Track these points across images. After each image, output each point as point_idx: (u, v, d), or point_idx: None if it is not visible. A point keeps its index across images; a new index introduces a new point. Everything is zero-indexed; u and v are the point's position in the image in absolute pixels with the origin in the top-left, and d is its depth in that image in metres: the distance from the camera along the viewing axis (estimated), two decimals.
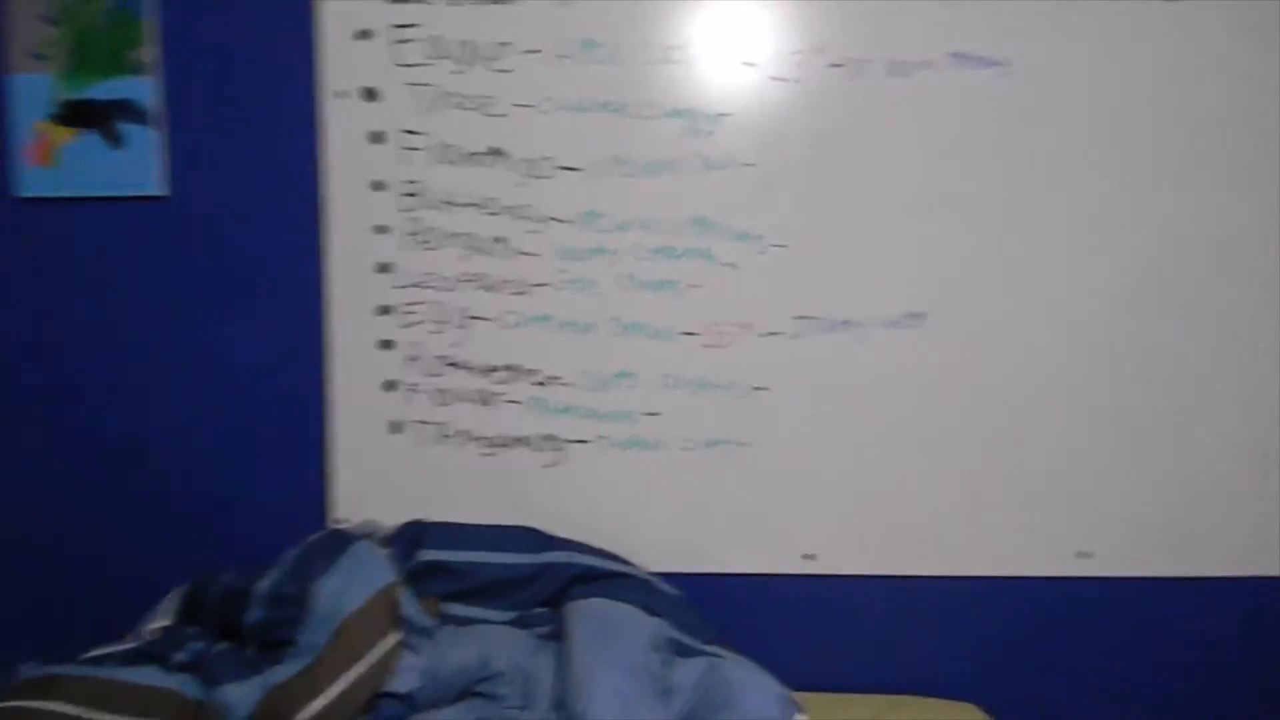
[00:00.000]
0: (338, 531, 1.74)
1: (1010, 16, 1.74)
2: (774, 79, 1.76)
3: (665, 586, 1.78)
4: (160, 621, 1.67)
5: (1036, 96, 1.76)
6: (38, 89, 1.81)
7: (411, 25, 1.77)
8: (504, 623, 1.71)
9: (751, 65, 1.76)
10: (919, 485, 1.86)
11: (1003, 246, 1.80)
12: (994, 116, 1.76)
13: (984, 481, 1.85)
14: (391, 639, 1.52)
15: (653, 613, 1.68)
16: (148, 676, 1.47)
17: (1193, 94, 1.76)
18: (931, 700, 1.84)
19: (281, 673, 1.48)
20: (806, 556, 1.88)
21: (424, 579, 1.71)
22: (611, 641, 1.55)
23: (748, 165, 1.78)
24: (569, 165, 1.80)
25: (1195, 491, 1.85)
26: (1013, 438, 1.84)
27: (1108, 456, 1.84)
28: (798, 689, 1.61)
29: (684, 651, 1.66)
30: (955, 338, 1.82)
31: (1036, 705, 1.91)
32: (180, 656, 1.53)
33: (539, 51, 1.77)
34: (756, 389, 1.84)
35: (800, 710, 1.55)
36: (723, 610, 1.82)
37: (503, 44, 1.77)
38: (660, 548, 1.87)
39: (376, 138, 1.80)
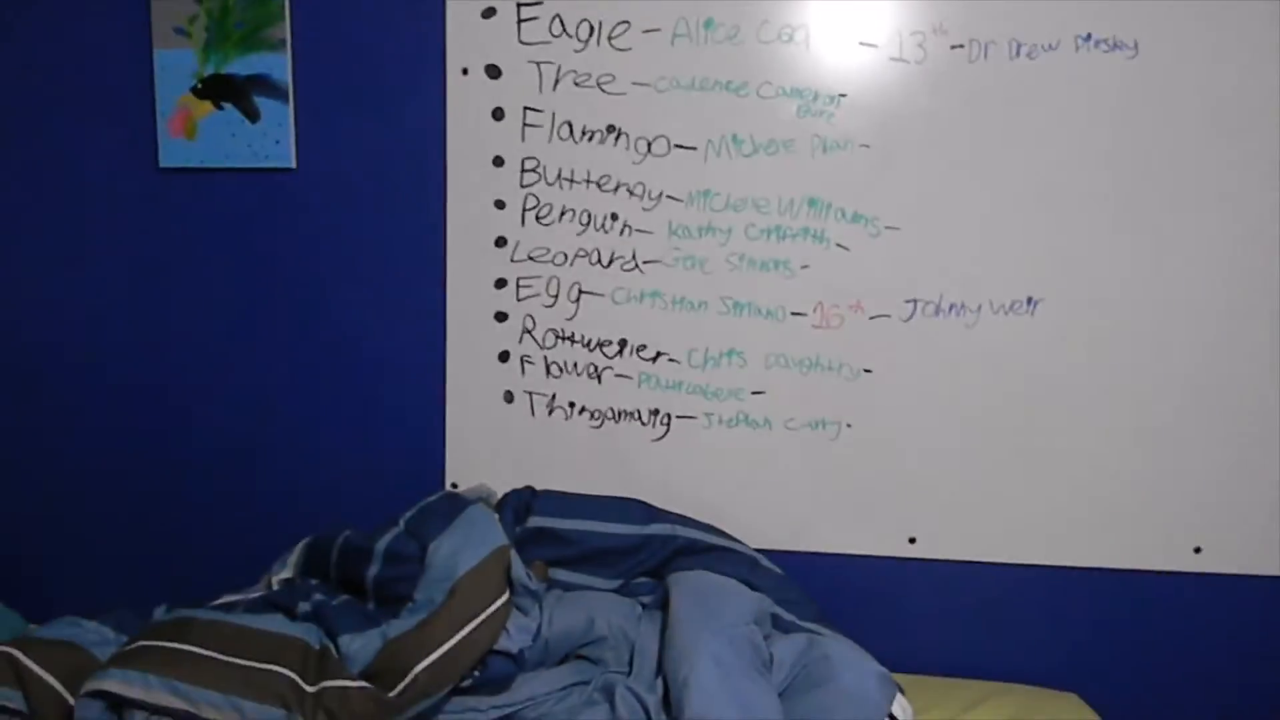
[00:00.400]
0: (453, 494, 1.80)
1: None
2: (893, 60, 1.75)
3: (768, 563, 1.80)
4: (285, 573, 1.75)
5: (1166, 82, 1.72)
6: (180, 63, 1.90)
7: (535, 4, 1.80)
8: (608, 590, 1.76)
9: (870, 46, 1.76)
10: (1026, 473, 1.84)
11: (1121, 234, 1.76)
12: (1120, 101, 1.73)
13: (1094, 472, 1.83)
14: (503, 599, 1.57)
15: (755, 588, 1.70)
16: (274, 624, 1.54)
17: None
18: (1033, 688, 1.82)
19: (399, 626, 1.54)
20: (910, 540, 1.88)
21: (533, 544, 1.76)
22: (714, 612, 1.57)
23: (864, 146, 1.78)
24: (684, 144, 1.82)
25: None
26: (1125, 428, 1.81)
27: (1222, 451, 1.80)
28: (897, 671, 1.62)
29: (785, 627, 1.67)
30: (1069, 325, 1.79)
31: (1139, 698, 1.88)
32: (304, 606, 1.60)
33: (658, 30, 1.79)
34: (865, 371, 1.84)
35: (899, 691, 1.56)
36: (824, 589, 1.83)
37: (622, 23, 1.80)
38: (764, 525, 1.89)
39: (498, 114, 1.84)
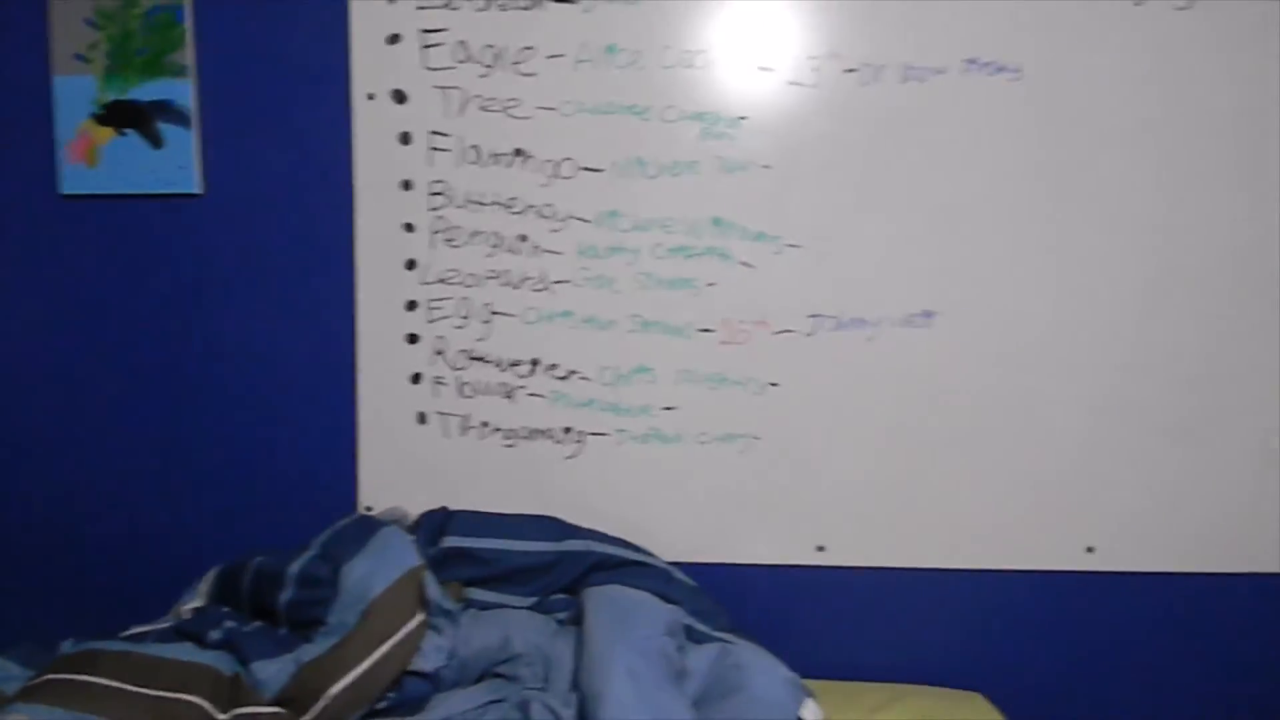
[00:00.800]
0: (366, 517, 1.81)
1: (1024, 23, 1.78)
2: (791, 84, 1.81)
3: (681, 575, 1.84)
4: (195, 602, 1.73)
5: (1049, 102, 1.80)
6: (81, 90, 1.88)
7: (440, 30, 1.82)
8: (524, 608, 1.77)
9: (769, 70, 1.81)
10: (928, 480, 1.90)
11: (1013, 248, 1.84)
12: (1007, 121, 1.80)
13: (992, 477, 1.89)
14: (417, 620, 1.58)
15: (668, 600, 1.74)
16: (184, 653, 1.53)
17: (1205, 98, 1.79)
18: (939, 689, 1.88)
19: (312, 650, 1.54)
20: (818, 548, 1.93)
21: (448, 564, 1.77)
22: (628, 625, 1.60)
23: (765, 167, 1.83)
24: (590, 166, 1.85)
25: (1199, 488, 1.88)
26: (1020, 434, 1.88)
27: (1113, 453, 1.88)
28: (808, 676, 1.66)
29: (698, 638, 1.71)
30: (964, 336, 1.86)
31: (1041, 696, 1.95)
32: (215, 635, 1.59)
33: (562, 56, 1.82)
34: (771, 385, 1.89)
35: (809, 695, 1.60)
36: (736, 599, 1.87)
37: (527, 48, 1.83)
38: (676, 538, 1.92)
39: (405, 139, 1.86)
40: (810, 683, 1.64)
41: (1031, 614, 1.93)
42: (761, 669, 1.62)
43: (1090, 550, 1.90)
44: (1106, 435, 1.88)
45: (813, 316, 1.87)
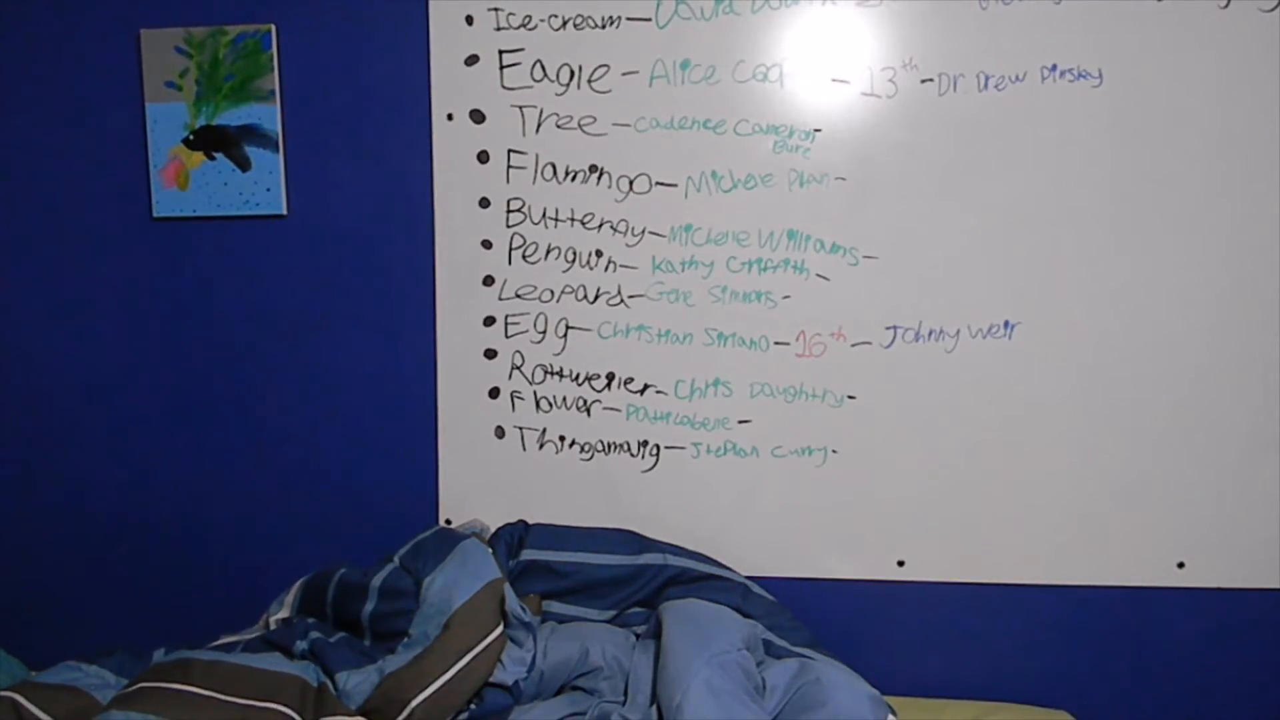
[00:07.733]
0: (446, 530, 1.83)
1: (1105, 28, 1.75)
2: (865, 95, 1.80)
3: (759, 590, 1.83)
4: (282, 612, 1.77)
5: (1130, 108, 1.77)
6: (172, 116, 1.94)
7: (517, 50, 1.85)
8: (602, 621, 1.78)
9: (843, 82, 1.81)
10: (1010, 493, 1.87)
11: (1093, 258, 1.81)
12: (1087, 128, 1.78)
13: (1076, 490, 1.86)
14: (497, 632, 1.60)
15: (746, 615, 1.73)
16: (272, 662, 1.56)
17: None
18: (1024, 707, 1.84)
19: (395, 661, 1.56)
20: (898, 563, 1.90)
21: (526, 577, 1.79)
22: (706, 639, 1.59)
23: (840, 179, 1.82)
24: (665, 181, 1.86)
25: None
26: (1105, 446, 1.84)
27: (1203, 466, 1.83)
28: (890, 693, 1.64)
29: (777, 653, 1.70)
30: (1046, 347, 1.83)
31: (1130, 715, 1.90)
32: (301, 645, 1.62)
33: (636, 72, 1.84)
34: (849, 397, 1.88)
35: (891, 713, 1.57)
36: (815, 614, 1.86)
37: (602, 66, 1.85)
38: (753, 552, 1.92)
39: (483, 157, 1.89)
40: (892, 699, 1.62)
41: (1120, 631, 1.89)
42: (842, 685, 1.59)
43: (1181, 566, 1.85)
44: (1194, 447, 1.83)
45: (890, 328, 1.85)
